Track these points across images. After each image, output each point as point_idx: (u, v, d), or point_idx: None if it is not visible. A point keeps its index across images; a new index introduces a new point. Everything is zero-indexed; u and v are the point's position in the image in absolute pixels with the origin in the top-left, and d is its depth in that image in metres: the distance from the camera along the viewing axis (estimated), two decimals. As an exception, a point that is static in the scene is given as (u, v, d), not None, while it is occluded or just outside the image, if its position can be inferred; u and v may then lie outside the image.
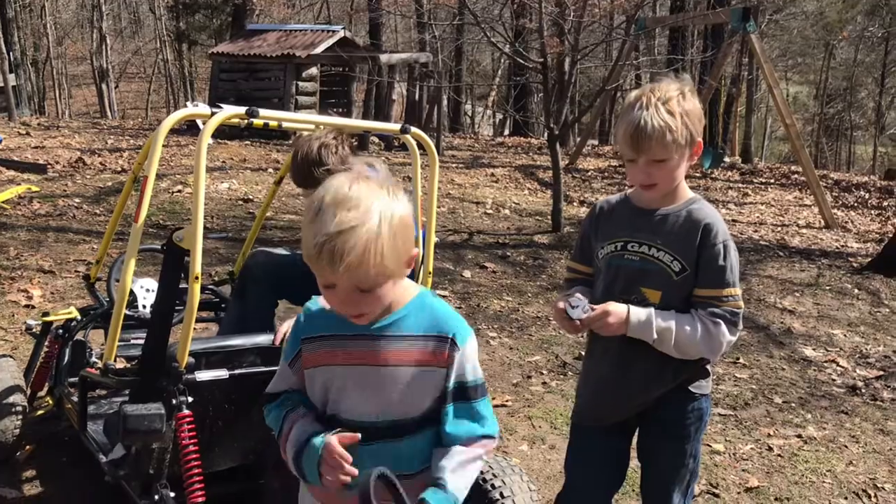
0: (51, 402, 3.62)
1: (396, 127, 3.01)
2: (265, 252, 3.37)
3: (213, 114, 2.57)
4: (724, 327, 2.25)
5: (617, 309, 2.24)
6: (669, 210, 2.31)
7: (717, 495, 3.73)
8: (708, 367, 2.41)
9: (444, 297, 6.49)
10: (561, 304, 2.28)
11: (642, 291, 2.30)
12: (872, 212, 12.55)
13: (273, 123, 2.85)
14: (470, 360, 1.72)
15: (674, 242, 2.28)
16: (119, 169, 11.06)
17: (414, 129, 2.98)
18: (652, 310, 2.26)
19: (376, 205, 1.55)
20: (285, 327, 2.84)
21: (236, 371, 2.73)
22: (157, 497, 2.63)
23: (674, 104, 2.19)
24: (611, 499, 2.56)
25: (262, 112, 2.68)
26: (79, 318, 3.63)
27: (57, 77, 32.34)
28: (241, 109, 2.64)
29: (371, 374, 1.69)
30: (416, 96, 16.94)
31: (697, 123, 2.25)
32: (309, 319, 1.77)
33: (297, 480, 2.42)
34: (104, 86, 29.49)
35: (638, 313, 2.25)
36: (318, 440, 1.67)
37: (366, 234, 1.53)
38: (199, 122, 2.69)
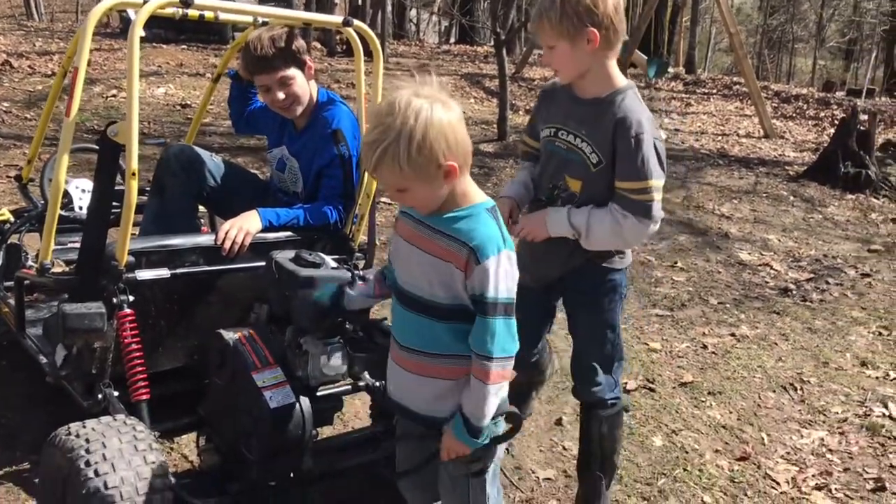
0: (-15, 307, 3.54)
1: (338, 19, 2.92)
2: (180, 145, 3.29)
3: (145, 2, 2.45)
4: (632, 220, 2.32)
5: (533, 221, 2.47)
6: (597, 100, 2.36)
7: (652, 390, 3.87)
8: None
9: (389, 204, 6.46)
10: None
11: (566, 179, 2.43)
12: (810, 122, 12.79)
13: (209, 15, 2.74)
14: (492, 277, 1.82)
15: (594, 134, 2.35)
16: (49, 72, 10.58)
17: (357, 23, 2.90)
18: (567, 210, 2.40)
19: (399, 122, 1.75)
20: (227, 226, 2.80)
21: (178, 270, 2.69)
22: (100, 396, 2.61)
23: None
24: (543, 335, 2.89)
25: (198, 1, 2.57)
26: (12, 220, 3.52)
27: (-23, -24, 30.47)
28: (176, -3, 2.52)
29: (412, 253, 1.94)
30: (360, 0, 16.45)
31: (585, 13, 2.25)
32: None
33: (241, 378, 2.43)
34: (29, -14, 27.90)
35: (554, 217, 2.42)
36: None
37: (384, 148, 1.76)
38: (131, 13, 2.57)
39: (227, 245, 2.76)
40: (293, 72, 3.02)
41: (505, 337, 1.85)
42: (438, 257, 1.89)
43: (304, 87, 3.07)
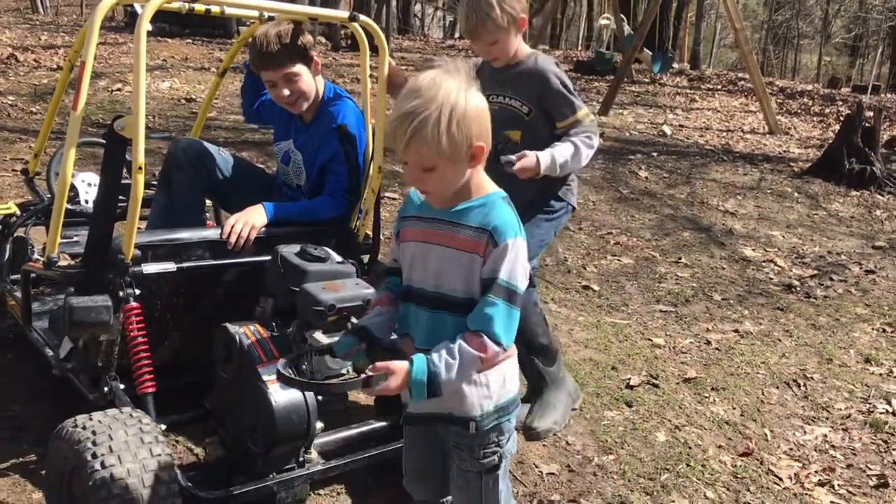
0: (-8, 300, 3.55)
1: (345, 14, 2.93)
2: (188, 139, 3.29)
3: (152, -4, 2.46)
4: (594, 139, 2.95)
5: (527, 160, 2.80)
6: (516, 67, 2.95)
7: (656, 385, 3.87)
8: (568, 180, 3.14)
9: (393, 199, 6.48)
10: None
11: (505, 134, 2.94)
12: (815, 118, 12.76)
13: (215, 9, 2.75)
14: (506, 260, 1.82)
15: (520, 90, 2.91)
16: (54, 66, 10.62)
17: (363, 18, 2.90)
18: (553, 151, 2.86)
19: (442, 94, 1.75)
20: (233, 220, 2.82)
21: (184, 264, 2.71)
22: (106, 389, 2.63)
23: None
24: None
25: (205, -4, 2.58)
26: (18, 213, 3.54)
27: (-18, -31, 30.45)
28: (182, -8, 2.53)
29: (428, 251, 1.92)
30: (364, -5, 16.44)
31: (516, 4, 2.80)
32: (409, 202, 2.01)
33: (247, 371, 2.45)
34: (34, -21, 27.87)
35: (544, 158, 2.83)
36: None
37: (423, 119, 1.73)
38: (138, 8, 2.58)
39: (233, 239, 2.77)
40: (299, 68, 3.01)
41: (504, 323, 1.82)
42: (461, 250, 1.86)
43: (311, 83, 3.07)
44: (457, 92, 1.76)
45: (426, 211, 1.94)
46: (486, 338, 1.81)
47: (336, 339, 2.07)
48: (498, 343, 1.82)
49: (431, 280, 1.92)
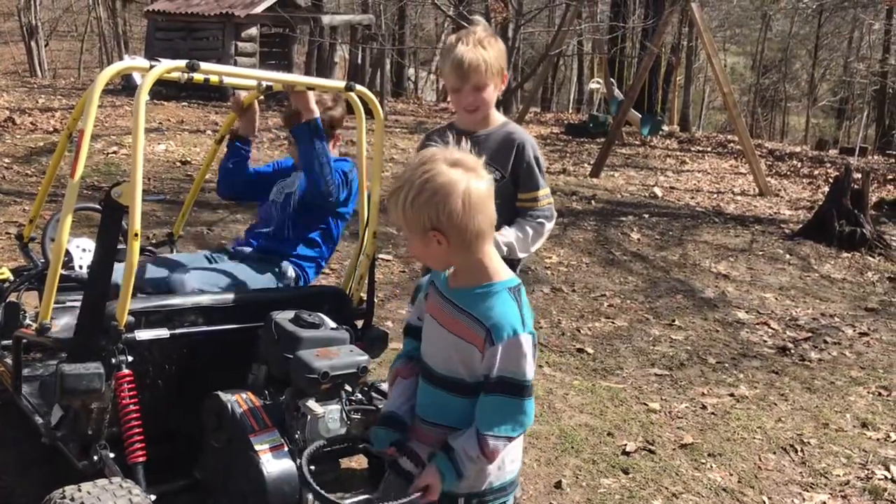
0: (-18, 365, 3.52)
1: (341, 84, 2.98)
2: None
3: (151, 67, 2.50)
4: (546, 224, 2.89)
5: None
6: (489, 131, 2.89)
7: (653, 451, 3.83)
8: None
9: (387, 260, 6.49)
10: None
11: None
12: (804, 180, 12.89)
13: (214, 79, 2.79)
14: (507, 357, 1.84)
15: (494, 156, 2.75)
16: (51, 129, 10.71)
17: (359, 87, 2.95)
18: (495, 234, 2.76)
19: (409, 173, 1.88)
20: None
21: (177, 330, 2.69)
22: (95, 458, 2.59)
23: (486, 43, 2.73)
24: None
25: (203, 66, 2.62)
26: (11, 278, 3.53)
27: (-18, 33, 30.91)
28: (182, 63, 2.58)
29: (437, 330, 1.95)
30: (359, 59, 16.71)
31: (504, 59, 2.83)
32: (436, 274, 2.02)
33: (238, 441, 2.42)
34: (33, 43, 28.26)
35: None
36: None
37: (395, 190, 1.86)
38: (136, 76, 2.63)
39: None
40: None
41: (512, 418, 1.86)
42: (461, 338, 1.89)
43: None
44: (422, 175, 1.81)
45: (444, 286, 1.96)
46: (491, 441, 1.85)
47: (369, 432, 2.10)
48: (508, 438, 1.88)
49: (434, 357, 1.96)
